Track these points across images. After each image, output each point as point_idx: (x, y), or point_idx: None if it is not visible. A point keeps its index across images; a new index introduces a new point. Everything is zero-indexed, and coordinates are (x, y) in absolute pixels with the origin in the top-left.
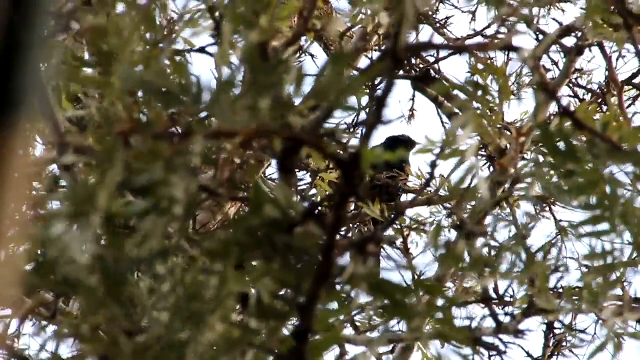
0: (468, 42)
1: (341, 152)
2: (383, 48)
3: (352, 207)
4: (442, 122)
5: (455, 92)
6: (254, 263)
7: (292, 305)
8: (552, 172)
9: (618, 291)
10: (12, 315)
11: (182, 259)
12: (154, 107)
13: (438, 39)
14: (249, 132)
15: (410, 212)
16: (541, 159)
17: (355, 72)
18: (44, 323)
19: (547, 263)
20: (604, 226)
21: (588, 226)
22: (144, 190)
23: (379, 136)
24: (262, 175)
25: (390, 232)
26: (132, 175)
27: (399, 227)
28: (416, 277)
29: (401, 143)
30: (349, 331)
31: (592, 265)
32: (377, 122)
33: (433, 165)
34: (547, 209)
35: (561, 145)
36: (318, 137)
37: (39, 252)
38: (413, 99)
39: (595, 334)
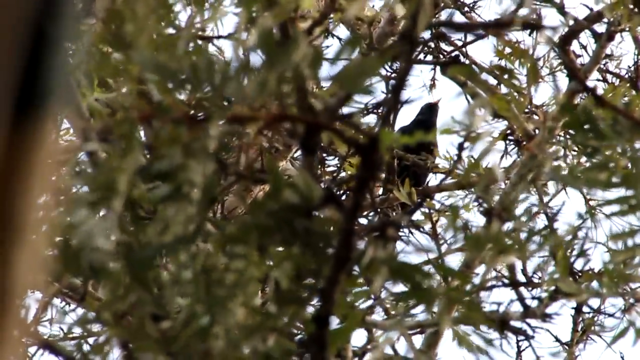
0: (491, 22)
1: (360, 136)
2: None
3: (381, 191)
4: (468, 101)
5: (483, 75)
6: (274, 248)
7: (312, 290)
8: (575, 156)
9: None
10: (41, 301)
11: (206, 243)
12: (171, 91)
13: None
14: (269, 117)
15: (439, 196)
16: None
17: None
18: (66, 308)
19: (571, 244)
20: (629, 204)
21: (613, 205)
22: (164, 176)
23: (414, 107)
24: (291, 159)
25: (419, 216)
26: (152, 160)
27: (427, 211)
28: (439, 261)
29: (435, 112)
30: (378, 316)
31: (616, 248)
32: (395, 105)
33: (460, 147)
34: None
35: (583, 121)
36: (336, 121)
37: (63, 238)
38: (434, 69)
39: (623, 318)
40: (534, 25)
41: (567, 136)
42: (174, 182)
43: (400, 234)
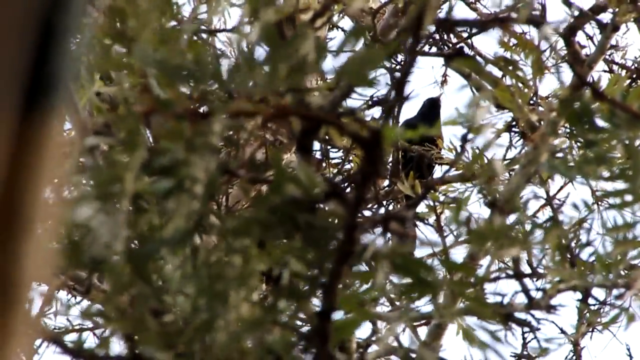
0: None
1: (363, 131)
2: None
3: (386, 183)
4: (473, 94)
5: (488, 66)
6: (276, 241)
7: (315, 283)
8: (579, 148)
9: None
10: (46, 293)
11: (208, 237)
12: (174, 86)
13: (470, 15)
14: (269, 112)
15: (443, 188)
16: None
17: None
18: (71, 301)
19: (576, 235)
20: (628, 197)
21: (614, 198)
22: (165, 170)
23: (417, 100)
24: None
25: (423, 209)
26: (154, 155)
27: (432, 204)
28: (444, 254)
29: (438, 106)
30: (382, 308)
31: (616, 238)
32: (398, 99)
33: (464, 139)
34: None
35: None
36: (336, 116)
37: (67, 232)
38: (446, 65)
39: (629, 307)
40: (537, 22)
41: (571, 128)
42: (177, 177)
43: (407, 228)
